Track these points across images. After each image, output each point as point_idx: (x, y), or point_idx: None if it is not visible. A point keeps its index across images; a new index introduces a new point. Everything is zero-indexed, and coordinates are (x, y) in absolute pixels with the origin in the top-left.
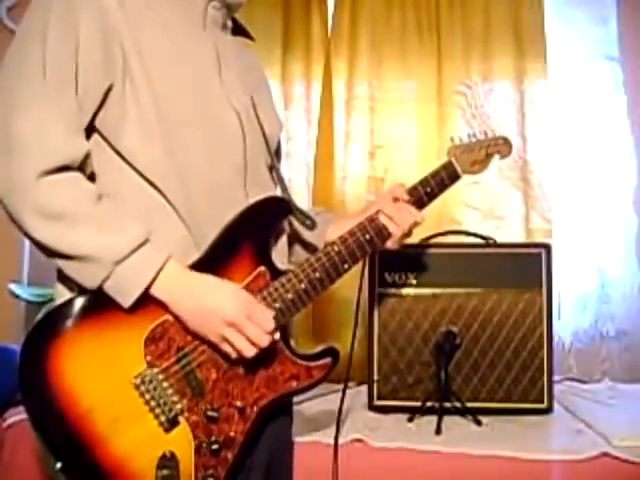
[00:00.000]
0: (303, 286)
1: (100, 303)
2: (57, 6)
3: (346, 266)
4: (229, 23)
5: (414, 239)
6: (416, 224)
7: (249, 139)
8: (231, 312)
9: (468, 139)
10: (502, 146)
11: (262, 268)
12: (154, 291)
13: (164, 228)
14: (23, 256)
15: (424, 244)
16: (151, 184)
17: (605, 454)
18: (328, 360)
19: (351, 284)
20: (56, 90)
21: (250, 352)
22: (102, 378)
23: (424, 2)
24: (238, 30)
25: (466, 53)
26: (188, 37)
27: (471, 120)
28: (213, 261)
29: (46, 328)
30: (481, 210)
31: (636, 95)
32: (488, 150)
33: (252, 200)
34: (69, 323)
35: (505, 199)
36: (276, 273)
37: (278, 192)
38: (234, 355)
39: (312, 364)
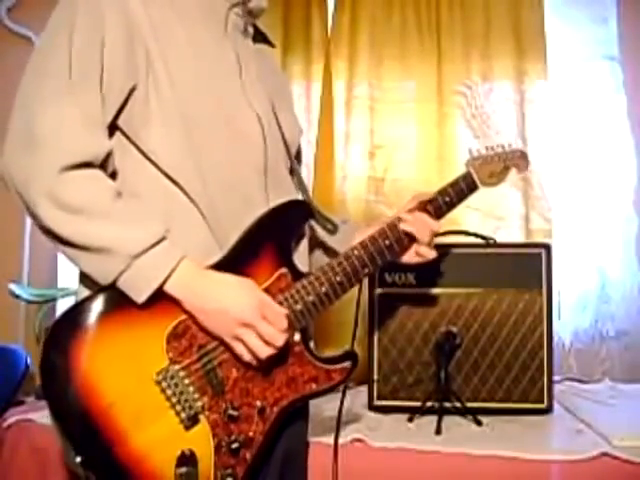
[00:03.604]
0: (324, 289)
1: (123, 299)
2: (83, 6)
3: (366, 270)
4: (250, 29)
5: None
6: (434, 233)
7: (270, 142)
8: (245, 312)
9: (486, 151)
10: (519, 159)
11: (284, 270)
12: (168, 288)
13: (186, 227)
14: (23, 256)
15: None
16: (174, 183)
17: (605, 454)
18: (347, 364)
19: None
20: (81, 89)
21: (264, 352)
22: (124, 374)
23: (424, 2)
24: (259, 36)
25: (466, 53)
26: (210, 41)
27: (471, 120)
28: (235, 261)
29: (69, 323)
30: (481, 210)
31: (636, 95)
32: (506, 163)
33: (273, 203)
34: (92, 319)
35: (505, 199)
36: (298, 275)
37: (299, 196)
38: (247, 357)
39: (332, 367)
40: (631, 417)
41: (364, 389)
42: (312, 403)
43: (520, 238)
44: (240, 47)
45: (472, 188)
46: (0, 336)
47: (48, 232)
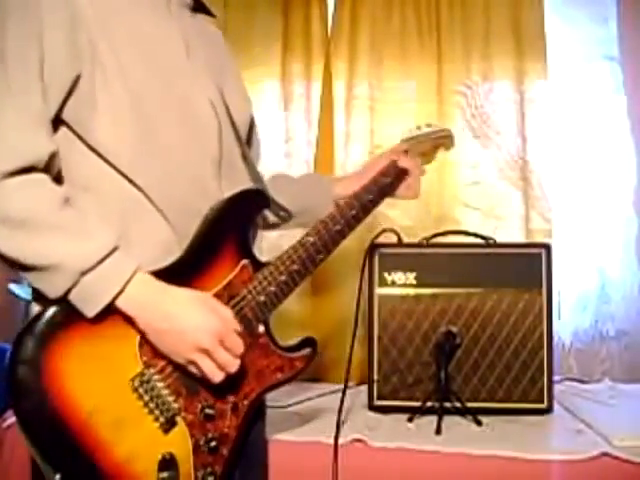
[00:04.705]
0: (283, 278)
1: None
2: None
3: (321, 256)
4: (190, 3)
5: (414, 239)
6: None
7: (224, 128)
8: (204, 338)
9: (416, 131)
10: (445, 139)
11: (245, 261)
12: (120, 304)
13: (144, 225)
14: None
15: (424, 244)
16: (127, 178)
17: (605, 454)
18: (308, 350)
19: (351, 284)
20: (19, 87)
21: (218, 377)
22: (99, 383)
23: (424, 2)
24: (198, 6)
25: (466, 53)
26: (156, 23)
27: (471, 120)
28: (196, 257)
29: (35, 335)
30: (481, 210)
31: (636, 95)
32: (434, 142)
33: (227, 192)
34: (60, 327)
35: (505, 199)
36: (258, 265)
37: (251, 184)
38: (199, 376)
39: (294, 355)
40: (631, 417)
41: (364, 389)
42: (312, 403)
43: (520, 238)
44: (186, 26)
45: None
46: (0, 336)
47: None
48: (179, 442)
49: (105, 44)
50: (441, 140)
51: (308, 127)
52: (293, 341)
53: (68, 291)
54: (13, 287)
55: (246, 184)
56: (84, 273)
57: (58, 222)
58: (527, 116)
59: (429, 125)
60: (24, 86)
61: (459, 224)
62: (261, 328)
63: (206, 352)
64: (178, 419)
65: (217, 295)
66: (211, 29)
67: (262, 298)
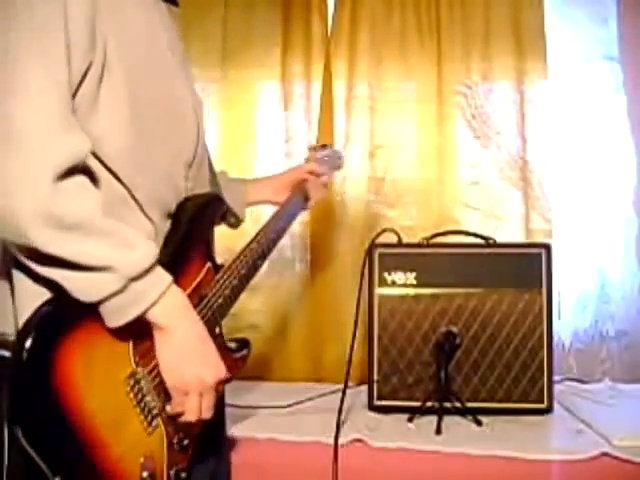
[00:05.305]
0: (236, 282)
1: (85, 306)
2: None
3: (261, 262)
4: None
5: (414, 239)
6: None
7: (200, 129)
8: (209, 382)
9: (322, 150)
10: (339, 160)
11: (209, 264)
12: (155, 313)
13: (129, 223)
14: None
15: (424, 244)
16: (114, 175)
17: (605, 454)
18: (245, 351)
19: (351, 284)
20: (55, 71)
21: (192, 418)
22: (97, 382)
23: (424, 2)
24: None
25: (466, 53)
26: (149, 19)
27: (471, 120)
28: (173, 257)
29: (36, 336)
30: (481, 210)
31: (636, 95)
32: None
33: (191, 193)
34: (59, 327)
35: (505, 199)
36: (217, 268)
37: (209, 186)
38: (177, 410)
39: (237, 355)
40: (631, 417)
41: (364, 389)
42: (312, 403)
43: (520, 238)
44: (165, 21)
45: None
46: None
47: (45, 256)
48: (158, 441)
49: (113, 36)
50: (338, 162)
51: (308, 127)
52: (231, 343)
53: (110, 296)
54: None
55: (206, 187)
56: (133, 279)
57: (108, 228)
58: (527, 116)
59: (325, 146)
60: (59, 71)
61: (459, 224)
62: (217, 329)
63: (201, 395)
64: (158, 419)
65: (189, 296)
66: (174, 18)
67: (220, 300)
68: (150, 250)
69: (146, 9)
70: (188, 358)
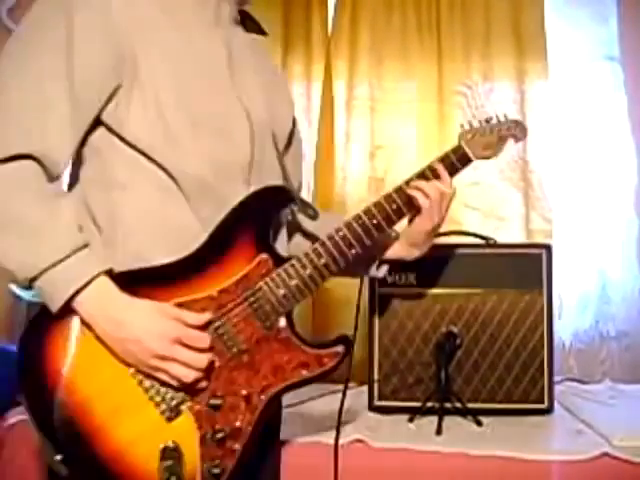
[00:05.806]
0: (308, 272)
1: None
2: (52, 8)
3: (353, 251)
4: (238, 17)
5: None
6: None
7: (258, 138)
8: (156, 343)
9: (479, 124)
10: (515, 129)
11: (264, 255)
12: (76, 306)
13: (176, 216)
14: None
15: None
16: (160, 167)
17: (605, 454)
18: (340, 348)
19: (351, 284)
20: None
21: (189, 377)
22: (99, 367)
23: (424, 2)
24: (252, 25)
25: (466, 53)
26: (200, 36)
27: (472, 120)
28: (212, 249)
29: (42, 321)
30: (481, 210)
31: (636, 95)
32: (500, 133)
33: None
34: (63, 315)
35: (505, 199)
36: (280, 261)
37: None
38: (175, 383)
39: (323, 352)
40: (631, 417)
41: (364, 389)
42: (313, 403)
43: (520, 238)
44: (232, 40)
45: (465, 161)
46: (0, 336)
47: None
48: (184, 431)
49: (144, 57)
50: (509, 131)
51: (308, 127)
52: (326, 339)
53: (34, 278)
54: (13, 287)
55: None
56: (54, 264)
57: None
58: (527, 116)
59: (495, 117)
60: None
61: (459, 224)
62: (282, 322)
63: (163, 357)
64: (183, 408)
65: (226, 289)
66: (260, 45)
67: (282, 291)
68: (61, 243)
69: (185, 29)
70: (127, 339)
